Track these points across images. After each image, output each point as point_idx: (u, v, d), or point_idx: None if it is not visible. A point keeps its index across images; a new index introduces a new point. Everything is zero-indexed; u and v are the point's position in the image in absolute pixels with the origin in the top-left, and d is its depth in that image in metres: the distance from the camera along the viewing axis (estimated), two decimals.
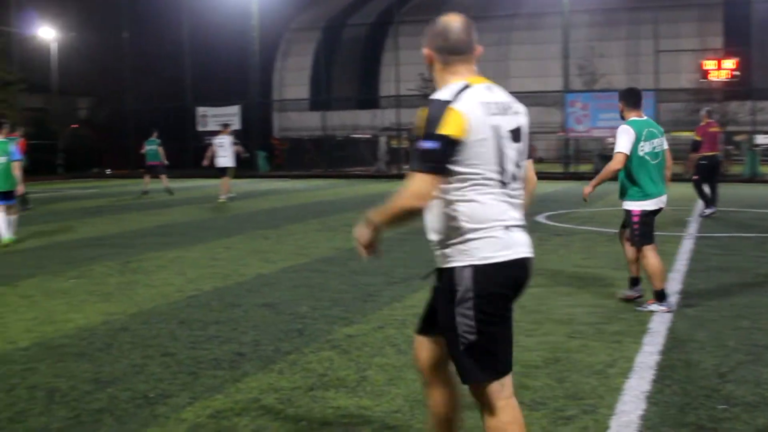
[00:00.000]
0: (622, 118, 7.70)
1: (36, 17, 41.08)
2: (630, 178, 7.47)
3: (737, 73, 33.83)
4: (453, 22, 3.30)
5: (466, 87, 3.13)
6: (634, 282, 7.79)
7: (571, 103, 33.62)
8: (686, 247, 11.53)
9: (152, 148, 25.51)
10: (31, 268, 10.27)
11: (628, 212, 7.57)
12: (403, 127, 38.07)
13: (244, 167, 22.82)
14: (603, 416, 4.60)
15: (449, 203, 3.17)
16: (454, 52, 3.27)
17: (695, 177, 16.35)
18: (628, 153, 7.36)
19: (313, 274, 9.54)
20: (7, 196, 12.96)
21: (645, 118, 7.68)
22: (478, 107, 3.09)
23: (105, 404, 4.91)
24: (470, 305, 3.13)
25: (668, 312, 7.28)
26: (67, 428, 4.51)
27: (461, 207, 3.15)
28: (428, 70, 3.41)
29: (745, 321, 6.93)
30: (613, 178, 7.63)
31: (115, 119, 45.10)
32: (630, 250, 7.76)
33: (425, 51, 3.34)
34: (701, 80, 34.60)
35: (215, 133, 31.46)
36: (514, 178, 3.23)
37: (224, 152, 22.16)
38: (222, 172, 22.13)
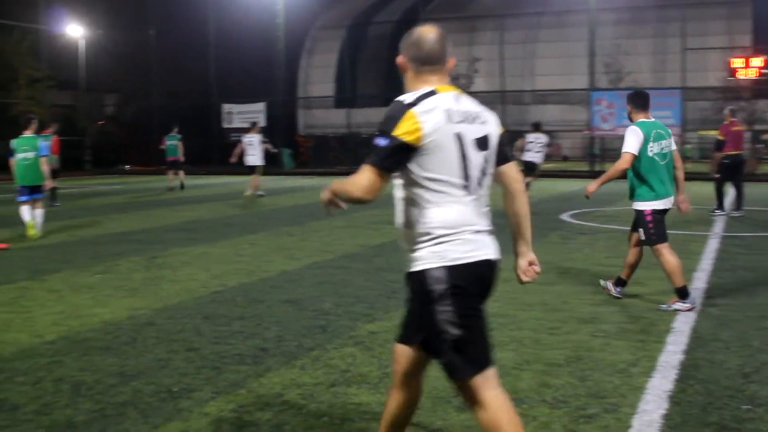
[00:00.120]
0: (630, 120, 7.76)
1: (64, 15, 41.42)
2: (640, 179, 7.50)
3: (765, 71, 33.52)
4: (428, 33, 3.37)
5: (431, 93, 3.23)
6: (621, 282, 7.88)
7: (597, 101, 33.46)
8: (712, 246, 11.45)
9: (172, 143, 25.74)
10: (59, 263, 10.38)
11: (640, 212, 7.57)
12: None
13: (269, 164, 22.90)
14: (625, 415, 4.59)
15: (418, 209, 3.27)
16: (426, 62, 3.36)
17: (717, 176, 16.31)
18: (636, 153, 7.41)
19: (337, 270, 9.57)
20: (35, 190, 13.18)
21: (653, 119, 7.71)
22: (440, 113, 3.18)
23: (129, 398, 4.96)
24: (448, 302, 3.22)
25: (691, 309, 7.27)
26: (92, 421, 4.57)
27: (431, 213, 3.25)
28: (402, 78, 3.48)
29: None
30: (620, 177, 7.62)
31: (141, 116, 45.41)
32: (632, 255, 7.81)
33: (399, 59, 3.43)
34: (729, 78, 34.33)
35: (240, 130, 31.61)
36: (480, 185, 3.34)
37: (253, 150, 22.29)
38: (251, 170, 22.25)
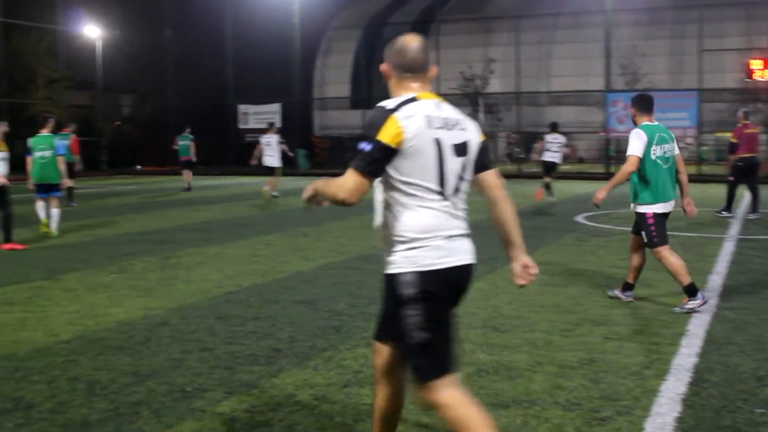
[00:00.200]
0: (634, 123, 7.79)
1: (82, 16, 41.63)
2: (643, 181, 7.54)
3: None
4: (411, 42, 3.50)
5: (412, 99, 3.35)
6: (628, 287, 7.88)
7: (613, 103, 33.35)
8: (727, 249, 11.40)
9: (185, 143, 25.89)
10: (75, 263, 10.44)
11: (642, 215, 7.61)
12: None
13: (284, 165, 22.92)
14: (638, 418, 4.58)
15: (394, 213, 3.36)
16: (408, 70, 3.47)
17: (731, 178, 16.29)
18: (641, 155, 7.45)
19: (351, 271, 9.59)
20: (51, 188, 13.32)
21: (657, 123, 7.76)
22: (420, 119, 3.28)
23: (143, 397, 4.99)
24: (418, 307, 3.30)
25: (704, 303, 7.29)
26: (106, 420, 4.60)
27: (405, 217, 3.33)
28: (386, 84, 3.57)
29: None
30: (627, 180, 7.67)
31: (158, 116, 45.59)
32: (636, 258, 7.83)
33: (383, 67, 3.55)
34: (746, 80, 34.12)
35: (255, 131, 31.62)
36: (457, 190, 3.42)
37: (271, 151, 22.28)
38: (270, 171, 22.26)
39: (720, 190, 19.62)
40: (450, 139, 3.37)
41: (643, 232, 7.61)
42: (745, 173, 16.16)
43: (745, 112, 16.87)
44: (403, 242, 3.33)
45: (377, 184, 3.39)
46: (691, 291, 7.34)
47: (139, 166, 43.39)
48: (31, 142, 13.31)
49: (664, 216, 7.59)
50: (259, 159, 22.42)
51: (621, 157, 38.14)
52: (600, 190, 7.61)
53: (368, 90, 44.38)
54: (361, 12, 47.00)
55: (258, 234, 13.39)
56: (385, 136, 3.22)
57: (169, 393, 5.07)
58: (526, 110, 38.79)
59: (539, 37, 41.33)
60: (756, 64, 33.57)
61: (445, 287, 3.35)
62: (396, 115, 3.26)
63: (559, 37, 41.49)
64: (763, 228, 14.21)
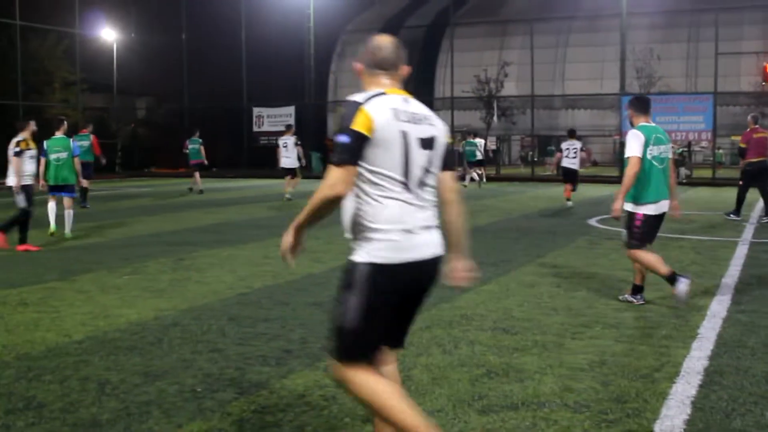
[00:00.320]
0: (631, 124, 7.89)
1: (99, 19, 41.87)
2: (637, 181, 7.58)
3: None
4: (383, 41, 3.66)
5: (380, 94, 3.48)
6: (637, 290, 7.87)
7: (627, 106, 33.24)
8: (740, 252, 11.35)
9: (195, 147, 26.11)
10: (88, 264, 10.50)
11: (632, 214, 7.67)
12: (458, 128, 38.00)
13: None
14: (647, 420, 4.57)
15: (357, 202, 3.46)
16: (380, 67, 3.62)
17: (740, 182, 16.33)
18: (641, 155, 7.52)
19: None
20: (65, 189, 13.44)
21: (653, 124, 7.89)
22: (387, 111, 3.41)
23: (153, 397, 5.01)
24: (358, 296, 3.40)
25: (688, 283, 7.39)
26: (116, 419, 4.62)
27: (366, 206, 3.44)
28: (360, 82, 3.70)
29: None
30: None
31: (173, 119, 45.78)
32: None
33: (356, 64, 3.68)
34: (763, 83, 33.98)
35: (270, 133, 31.53)
36: (422, 183, 3.51)
37: (288, 153, 22.37)
38: (286, 172, 22.31)
39: (734, 194, 19.53)
40: (417, 132, 3.48)
41: (625, 231, 7.71)
42: (754, 177, 16.14)
43: (754, 117, 16.82)
44: (362, 231, 3.45)
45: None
46: (673, 279, 7.46)
47: (148, 169, 43.57)
48: (46, 144, 13.45)
49: (658, 218, 7.67)
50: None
51: None
52: (616, 202, 7.63)
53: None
54: (377, 15, 47.13)
55: (271, 236, 13.42)
56: (359, 125, 3.34)
57: (180, 393, 5.10)
58: (540, 113, 38.76)
59: (554, 41, 41.34)
60: None
61: (400, 281, 3.44)
62: (364, 106, 3.39)
63: (573, 40, 41.50)
64: None
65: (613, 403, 4.87)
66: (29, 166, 12.47)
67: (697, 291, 8.47)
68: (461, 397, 4.95)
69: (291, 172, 22.27)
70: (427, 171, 3.53)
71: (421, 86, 45.41)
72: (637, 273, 7.85)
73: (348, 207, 3.50)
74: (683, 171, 33.24)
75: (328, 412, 4.74)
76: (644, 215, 7.59)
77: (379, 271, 3.39)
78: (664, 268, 7.51)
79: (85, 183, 20.16)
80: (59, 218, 13.57)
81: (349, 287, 3.43)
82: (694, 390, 5.10)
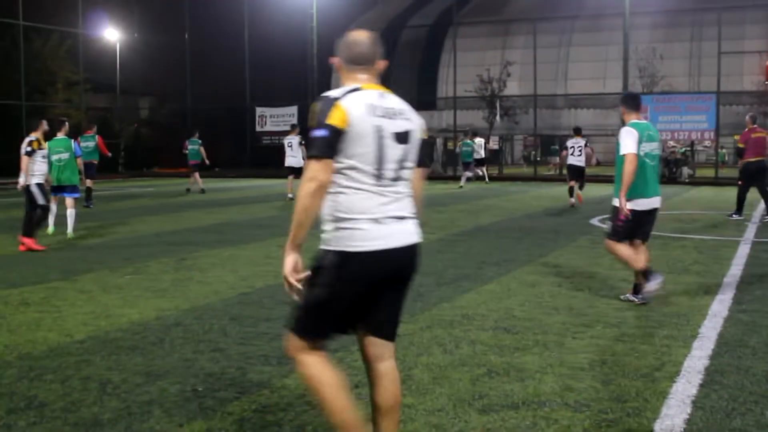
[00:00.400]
0: (623, 122, 7.98)
1: (102, 19, 41.90)
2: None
3: None
4: (359, 37, 3.72)
5: (356, 89, 3.55)
6: (639, 289, 7.87)
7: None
8: (743, 251, 11.35)
9: (194, 147, 26.26)
10: (90, 264, 10.52)
11: (617, 209, 7.76)
12: (460, 128, 38.01)
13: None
14: (647, 420, 4.57)
15: (329, 194, 3.52)
16: (356, 62, 3.69)
17: (740, 182, 16.43)
18: (636, 152, 7.61)
19: None
20: (68, 189, 13.49)
21: (645, 121, 7.98)
22: (362, 106, 3.48)
23: (155, 396, 5.03)
24: (324, 282, 3.50)
25: (660, 282, 7.59)
26: (118, 419, 4.63)
27: (338, 197, 3.51)
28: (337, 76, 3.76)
29: None
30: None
31: (176, 119, 45.81)
32: (642, 257, 7.85)
33: (334, 60, 3.75)
34: (766, 82, 33.94)
35: (273, 133, 31.57)
36: (397, 176, 3.59)
37: (293, 152, 22.43)
38: (290, 171, 22.34)
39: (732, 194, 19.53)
40: (392, 127, 3.56)
41: (609, 222, 7.88)
42: (753, 177, 16.21)
43: (752, 116, 16.87)
44: (333, 221, 3.51)
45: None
46: (647, 274, 7.61)
47: (156, 168, 43.62)
48: (48, 144, 13.46)
49: (647, 214, 7.77)
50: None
51: None
52: (621, 202, 7.66)
53: None
54: (380, 15, 47.07)
55: (273, 236, 13.43)
56: (334, 119, 3.41)
57: (181, 392, 5.11)
58: (543, 113, 38.72)
59: (557, 40, 41.27)
60: None
61: (368, 269, 3.50)
62: (340, 101, 3.46)
63: (576, 39, 41.43)
64: None
65: (613, 402, 4.88)
66: (41, 165, 12.55)
67: (699, 290, 8.48)
68: (462, 397, 4.96)
69: (295, 172, 22.30)
70: (402, 164, 3.61)
71: (423, 86, 45.44)
72: (637, 272, 7.86)
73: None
74: (686, 170, 33.21)
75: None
76: (630, 210, 7.67)
77: (345, 258, 3.47)
78: (639, 264, 7.68)
79: (89, 183, 20.29)
80: (61, 218, 13.60)
81: (317, 273, 3.52)
82: (695, 389, 5.10)
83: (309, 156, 3.43)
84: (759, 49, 35.45)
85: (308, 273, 3.51)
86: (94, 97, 43.89)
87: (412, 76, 46.37)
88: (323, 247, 3.55)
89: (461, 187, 28.73)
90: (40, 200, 12.32)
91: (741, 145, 16.45)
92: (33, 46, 38.23)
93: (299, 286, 3.49)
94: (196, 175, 26.27)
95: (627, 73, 34.50)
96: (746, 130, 16.50)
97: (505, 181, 35.08)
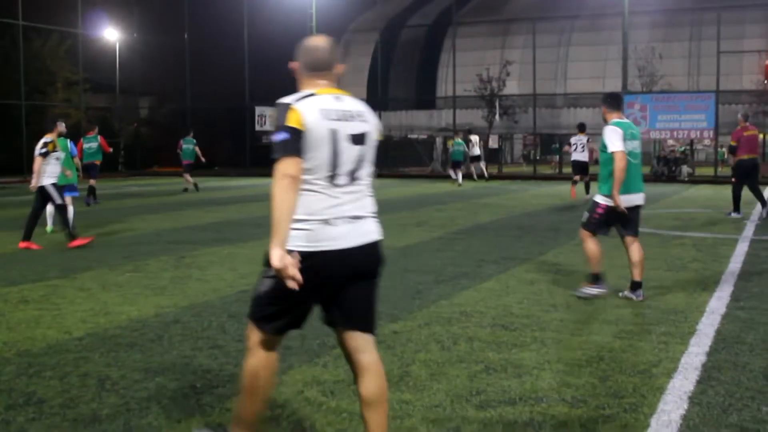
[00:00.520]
0: (605, 121, 8.07)
1: (101, 19, 41.91)
2: (610, 174, 7.77)
3: None
4: (318, 42, 3.83)
5: (310, 95, 3.64)
6: (636, 285, 7.92)
7: (629, 105, 33.22)
8: (741, 249, 11.36)
9: (189, 146, 26.38)
10: (90, 262, 10.54)
11: (596, 203, 7.93)
12: (460, 128, 38.04)
13: None
14: (644, 415, 4.59)
15: None
16: (314, 68, 3.79)
17: (733, 180, 16.63)
18: (623, 149, 7.70)
19: None
20: (67, 188, 13.55)
21: (626, 120, 8.09)
22: (316, 111, 3.57)
23: (153, 393, 5.04)
24: (273, 278, 3.58)
25: (601, 292, 7.80)
26: (116, 415, 4.65)
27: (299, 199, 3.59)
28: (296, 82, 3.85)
29: None
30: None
31: (175, 118, 45.83)
32: (633, 255, 7.95)
33: (293, 64, 3.85)
34: (765, 82, 33.96)
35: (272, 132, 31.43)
36: (353, 177, 3.68)
37: None
38: None
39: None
40: (347, 129, 3.64)
41: (586, 213, 8.02)
42: (746, 174, 16.30)
43: (744, 115, 16.95)
44: (294, 221, 3.55)
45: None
46: (595, 279, 7.85)
47: (155, 167, 43.65)
48: None
49: (630, 210, 7.84)
50: None
51: (644, 158, 38.34)
52: (616, 200, 7.71)
53: (385, 92, 44.42)
54: (379, 15, 47.13)
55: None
56: (292, 121, 3.50)
57: (179, 389, 5.12)
58: (542, 112, 38.75)
59: (556, 40, 41.32)
60: None
61: (316, 268, 3.55)
62: (295, 105, 3.55)
63: (576, 39, 41.48)
64: None
65: (610, 398, 4.89)
66: (54, 167, 12.55)
67: (697, 288, 8.50)
68: (459, 393, 4.97)
69: None
70: (359, 165, 3.70)
71: (423, 85, 45.48)
72: (634, 268, 7.88)
73: None
74: (685, 169, 33.22)
75: (326, 407, 4.76)
76: (607, 207, 7.81)
77: (301, 256, 3.53)
78: (596, 268, 7.87)
79: (92, 182, 20.36)
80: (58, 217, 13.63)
81: (268, 269, 3.63)
82: (692, 385, 5.11)
83: (275, 158, 3.48)
84: (758, 49, 35.48)
85: (300, 259, 3.53)
86: (93, 96, 43.91)
87: (412, 76, 46.42)
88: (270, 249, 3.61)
89: (460, 185, 28.86)
90: (58, 200, 12.35)
91: (733, 143, 16.55)
92: (32, 46, 38.24)
93: (295, 271, 3.48)
94: (187, 175, 26.39)
95: (626, 72, 34.53)
96: (738, 128, 16.61)
97: (505, 179, 35.09)
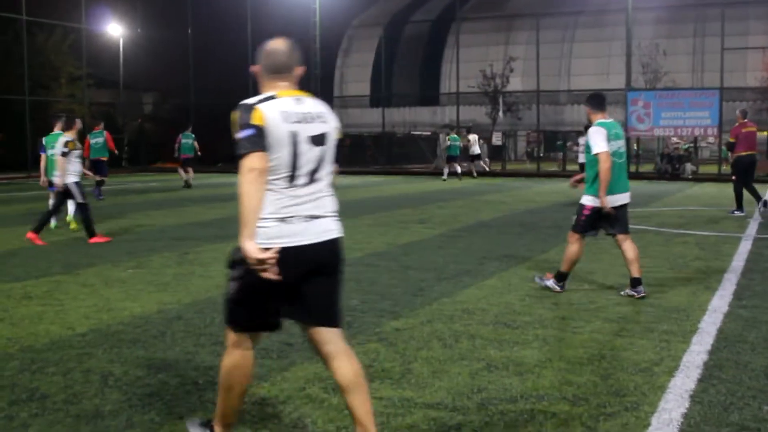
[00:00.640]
0: (590, 121, 8.10)
1: (105, 14, 41.92)
2: (596, 175, 7.81)
3: None
4: (277, 46, 3.90)
5: (271, 97, 3.73)
6: (635, 282, 7.92)
7: (633, 102, 33.17)
8: (744, 248, 11.35)
9: (188, 141, 26.46)
10: (93, 258, 10.56)
11: (582, 205, 7.99)
12: (463, 124, 38.00)
13: None
14: (645, 413, 4.59)
15: None
16: (273, 71, 3.87)
17: (733, 177, 16.62)
18: (608, 150, 7.74)
19: (365, 268, 9.63)
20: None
21: (611, 120, 8.10)
22: (276, 114, 3.66)
23: (155, 389, 5.06)
24: (238, 275, 3.73)
25: (556, 290, 8.00)
26: (119, 411, 4.67)
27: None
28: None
29: None
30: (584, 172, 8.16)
31: (179, 114, 45.82)
32: (627, 252, 7.99)
33: (254, 68, 3.94)
34: None
35: None
36: (313, 177, 3.77)
37: None
38: None
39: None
40: (307, 131, 3.73)
41: (574, 215, 8.10)
42: (746, 171, 16.32)
43: (742, 111, 16.97)
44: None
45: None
46: (561, 278, 8.11)
47: (159, 163, 43.66)
48: (44, 140, 13.76)
49: (616, 209, 7.89)
50: None
51: (648, 156, 38.29)
52: (603, 201, 7.78)
53: (388, 88, 44.39)
54: (382, 10, 47.05)
55: None
56: (256, 120, 3.60)
57: (182, 385, 5.14)
58: (545, 109, 38.70)
59: (560, 36, 41.23)
60: None
61: (278, 266, 3.58)
62: (257, 106, 3.65)
63: (579, 35, 41.40)
64: None
65: (611, 396, 4.90)
66: (76, 165, 12.62)
67: (699, 286, 8.50)
68: (460, 390, 4.98)
69: None
70: (318, 165, 3.79)
71: (426, 81, 45.41)
72: (630, 264, 7.92)
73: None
74: (689, 167, 33.18)
75: (328, 404, 4.77)
76: (593, 208, 7.87)
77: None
78: (566, 268, 8.05)
79: (97, 177, 20.41)
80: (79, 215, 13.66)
81: (233, 267, 3.76)
82: (693, 384, 5.12)
83: (240, 155, 3.57)
84: (762, 45, 35.36)
85: (278, 248, 3.60)
86: (97, 92, 43.91)
87: (415, 72, 46.36)
88: (240, 243, 3.69)
89: (460, 179, 29.01)
90: (79, 198, 12.41)
91: (732, 140, 16.59)
92: (36, 41, 38.23)
93: (271, 262, 3.55)
94: (181, 171, 26.57)
95: (630, 69, 34.46)
96: (737, 125, 16.65)
97: (508, 177, 35.08)
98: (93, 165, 19.83)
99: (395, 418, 4.53)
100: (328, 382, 5.14)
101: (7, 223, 15.12)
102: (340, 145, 3.96)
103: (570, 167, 34.96)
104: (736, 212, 16.18)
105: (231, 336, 3.89)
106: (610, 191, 7.79)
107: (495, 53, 40.51)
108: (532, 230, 13.67)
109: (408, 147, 46.03)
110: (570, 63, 41.30)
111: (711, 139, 40.47)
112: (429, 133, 44.76)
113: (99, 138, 21.13)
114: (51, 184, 13.67)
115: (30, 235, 11.99)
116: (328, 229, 3.85)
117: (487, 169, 33.25)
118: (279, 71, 3.86)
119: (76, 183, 12.43)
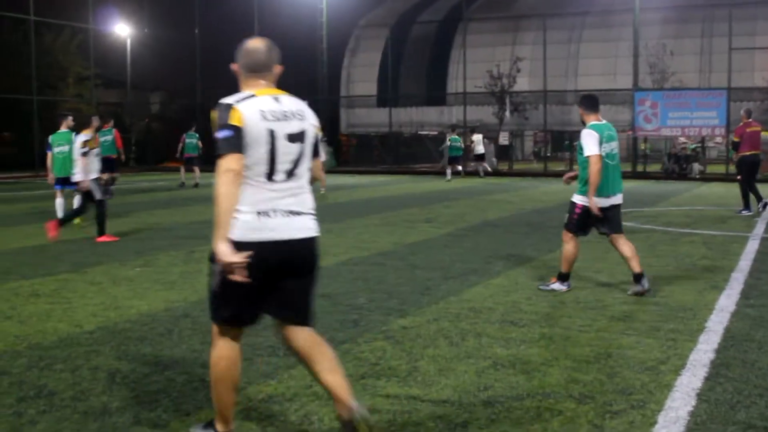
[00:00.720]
0: (583, 123, 8.14)
1: (112, 14, 42.01)
2: (589, 176, 7.83)
3: None
4: (256, 45, 4.00)
5: (250, 96, 3.81)
6: (638, 277, 7.92)
7: (640, 102, 33.11)
8: (751, 247, 11.33)
9: (191, 141, 26.52)
10: (101, 257, 10.59)
11: (574, 204, 8.01)
12: (470, 124, 37.99)
13: None
14: (651, 411, 4.59)
15: None
16: (252, 70, 3.97)
17: (738, 177, 16.64)
18: (600, 152, 7.78)
19: (372, 267, 9.64)
20: (69, 182, 13.70)
21: (604, 122, 8.13)
22: (255, 113, 3.74)
23: (162, 386, 5.08)
24: (218, 270, 3.73)
25: (562, 289, 7.99)
26: (126, 408, 4.68)
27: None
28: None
29: None
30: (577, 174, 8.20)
31: (186, 114, 45.90)
32: (623, 251, 8.01)
33: (234, 66, 4.02)
34: None
35: None
36: (291, 173, 3.84)
37: None
38: None
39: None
40: (285, 129, 3.81)
41: (567, 213, 8.13)
42: (751, 170, 16.33)
43: (747, 111, 16.96)
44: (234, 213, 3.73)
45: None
46: (563, 278, 8.13)
47: (166, 163, 43.75)
48: (51, 138, 13.90)
49: (608, 209, 7.93)
50: None
51: (655, 156, 38.19)
52: (590, 201, 7.81)
53: (395, 88, 44.38)
54: (389, 11, 47.04)
55: None
56: (234, 120, 3.68)
57: (189, 383, 5.15)
58: (552, 109, 38.64)
59: (567, 36, 41.18)
60: None
61: (255, 258, 3.65)
62: (236, 106, 3.73)
63: (586, 35, 41.35)
64: None
65: (618, 394, 4.90)
66: (95, 163, 12.73)
67: (707, 285, 8.49)
68: (467, 388, 4.99)
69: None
70: (297, 162, 3.86)
71: (433, 81, 45.39)
72: (629, 262, 7.95)
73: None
74: (696, 167, 33.11)
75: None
76: (583, 207, 7.89)
77: (235, 247, 3.65)
78: (567, 268, 8.09)
79: (105, 176, 20.43)
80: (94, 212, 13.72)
81: (213, 260, 3.76)
82: (700, 382, 5.12)
83: (218, 155, 3.64)
84: None
85: (250, 252, 3.64)
86: (104, 92, 44.02)
87: (422, 72, 46.35)
88: (213, 244, 3.72)
89: (448, 180, 29.35)
90: (98, 195, 12.52)
91: (736, 140, 16.60)
92: (44, 41, 38.36)
93: (242, 264, 3.60)
94: (182, 170, 26.65)
95: (637, 69, 34.42)
96: (741, 124, 16.65)
97: (515, 176, 35.05)
98: (102, 162, 19.86)
99: (402, 416, 4.53)
100: None
101: (14, 221, 15.17)
102: (337, 145, 4.00)
103: (577, 167, 34.90)
104: (743, 212, 16.16)
105: (215, 329, 3.98)
106: (603, 193, 7.83)
107: (502, 53, 40.49)
108: (538, 230, 13.67)
109: (415, 147, 46.01)
110: (577, 63, 41.26)
111: (718, 139, 40.37)
112: (436, 133, 44.74)
113: (108, 136, 21.16)
114: (57, 182, 13.77)
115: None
116: (307, 227, 3.91)
117: (490, 170, 33.23)
118: (258, 70, 3.95)
119: (94, 180, 12.52)
